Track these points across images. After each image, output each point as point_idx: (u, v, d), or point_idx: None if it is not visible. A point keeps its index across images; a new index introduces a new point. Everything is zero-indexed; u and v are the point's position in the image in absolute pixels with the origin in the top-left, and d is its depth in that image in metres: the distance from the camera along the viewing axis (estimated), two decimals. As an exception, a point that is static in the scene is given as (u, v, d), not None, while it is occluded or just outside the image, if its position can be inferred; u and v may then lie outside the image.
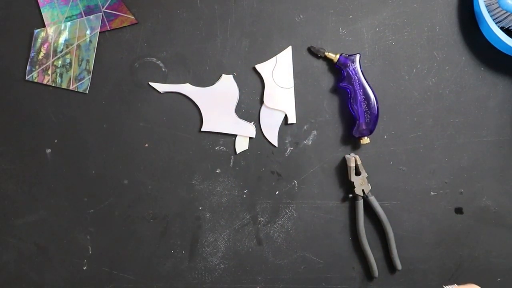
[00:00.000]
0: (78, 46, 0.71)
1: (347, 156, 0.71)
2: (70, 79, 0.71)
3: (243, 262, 0.72)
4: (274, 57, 0.71)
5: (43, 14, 0.71)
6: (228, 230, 0.72)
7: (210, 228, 0.72)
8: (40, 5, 0.71)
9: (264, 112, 0.72)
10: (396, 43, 0.72)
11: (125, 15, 0.71)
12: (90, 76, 0.71)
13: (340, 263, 0.72)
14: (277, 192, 0.72)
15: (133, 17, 0.71)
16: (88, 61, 0.71)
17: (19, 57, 0.71)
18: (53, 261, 0.72)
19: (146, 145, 0.72)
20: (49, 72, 0.71)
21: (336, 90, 0.72)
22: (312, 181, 0.72)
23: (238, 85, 0.71)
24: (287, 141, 0.72)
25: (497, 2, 0.66)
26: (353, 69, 0.69)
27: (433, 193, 0.73)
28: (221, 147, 0.72)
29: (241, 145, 0.71)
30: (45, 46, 0.71)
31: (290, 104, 0.71)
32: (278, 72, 0.71)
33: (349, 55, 0.70)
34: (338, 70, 0.71)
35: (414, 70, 0.72)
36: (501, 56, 0.71)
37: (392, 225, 0.71)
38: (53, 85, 0.71)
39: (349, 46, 0.72)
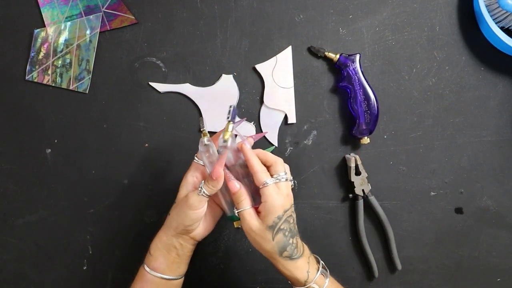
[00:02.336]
0: (78, 46, 0.71)
1: (347, 156, 0.71)
2: (70, 79, 0.71)
3: (243, 262, 0.72)
4: (274, 57, 0.71)
5: (43, 14, 0.71)
6: (228, 230, 0.72)
7: (210, 228, 0.72)
8: (40, 5, 0.71)
9: (264, 112, 0.72)
10: (396, 43, 0.72)
11: (125, 15, 0.71)
12: (90, 76, 0.71)
13: (340, 263, 0.72)
14: (277, 192, 0.72)
15: (133, 17, 0.71)
16: (88, 61, 0.71)
17: (19, 57, 0.71)
18: (53, 261, 0.72)
19: (146, 145, 0.72)
20: (49, 72, 0.71)
21: (336, 90, 0.72)
22: (312, 181, 0.72)
23: (238, 85, 0.71)
24: (287, 141, 0.72)
25: (497, 2, 0.66)
26: (353, 69, 0.69)
27: (433, 193, 0.73)
28: (221, 147, 0.72)
29: (241, 145, 0.71)
30: (45, 46, 0.71)
31: (290, 104, 0.71)
32: (278, 72, 0.71)
33: (349, 55, 0.70)
34: (338, 70, 0.71)
35: (414, 70, 0.72)
36: (501, 56, 0.71)
37: (392, 225, 0.71)
38: (53, 85, 0.71)
39: (349, 46, 0.72)
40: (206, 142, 0.54)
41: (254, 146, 0.59)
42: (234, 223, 0.59)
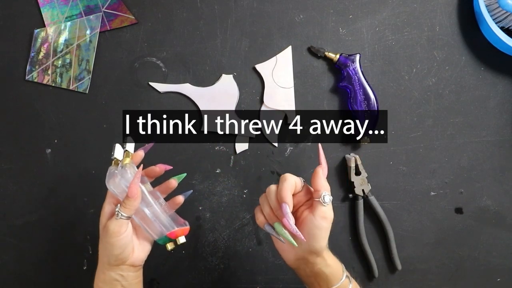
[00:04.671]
0: (78, 46, 0.71)
1: (347, 156, 0.71)
2: (70, 79, 0.71)
3: (243, 262, 0.72)
4: (274, 57, 0.71)
5: (43, 14, 0.71)
6: (228, 230, 0.72)
7: (210, 228, 0.72)
8: (40, 5, 0.71)
9: (264, 112, 0.72)
10: (396, 43, 0.72)
11: (125, 15, 0.71)
12: (90, 76, 0.71)
13: (340, 263, 0.72)
14: (277, 192, 0.72)
15: (133, 17, 0.71)
16: (88, 61, 0.71)
17: (19, 57, 0.71)
18: (53, 261, 0.72)
19: (146, 145, 0.72)
20: (49, 72, 0.71)
21: (336, 90, 0.72)
22: (312, 181, 0.72)
23: (238, 85, 0.71)
24: (287, 141, 0.72)
25: (497, 2, 0.66)
26: (353, 69, 0.69)
27: (433, 193, 0.73)
28: (221, 147, 0.72)
29: (241, 145, 0.71)
30: (45, 46, 0.71)
31: (290, 104, 0.71)
32: (278, 72, 0.71)
33: (349, 55, 0.70)
34: (338, 70, 0.71)
35: (414, 70, 0.72)
36: (501, 56, 0.71)
37: (392, 225, 0.71)
38: (53, 85, 0.71)
39: (349, 46, 0.72)
40: (111, 171, 0.52)
41: (165, 175, 0.58)
42: (167, 245, 0.55)
